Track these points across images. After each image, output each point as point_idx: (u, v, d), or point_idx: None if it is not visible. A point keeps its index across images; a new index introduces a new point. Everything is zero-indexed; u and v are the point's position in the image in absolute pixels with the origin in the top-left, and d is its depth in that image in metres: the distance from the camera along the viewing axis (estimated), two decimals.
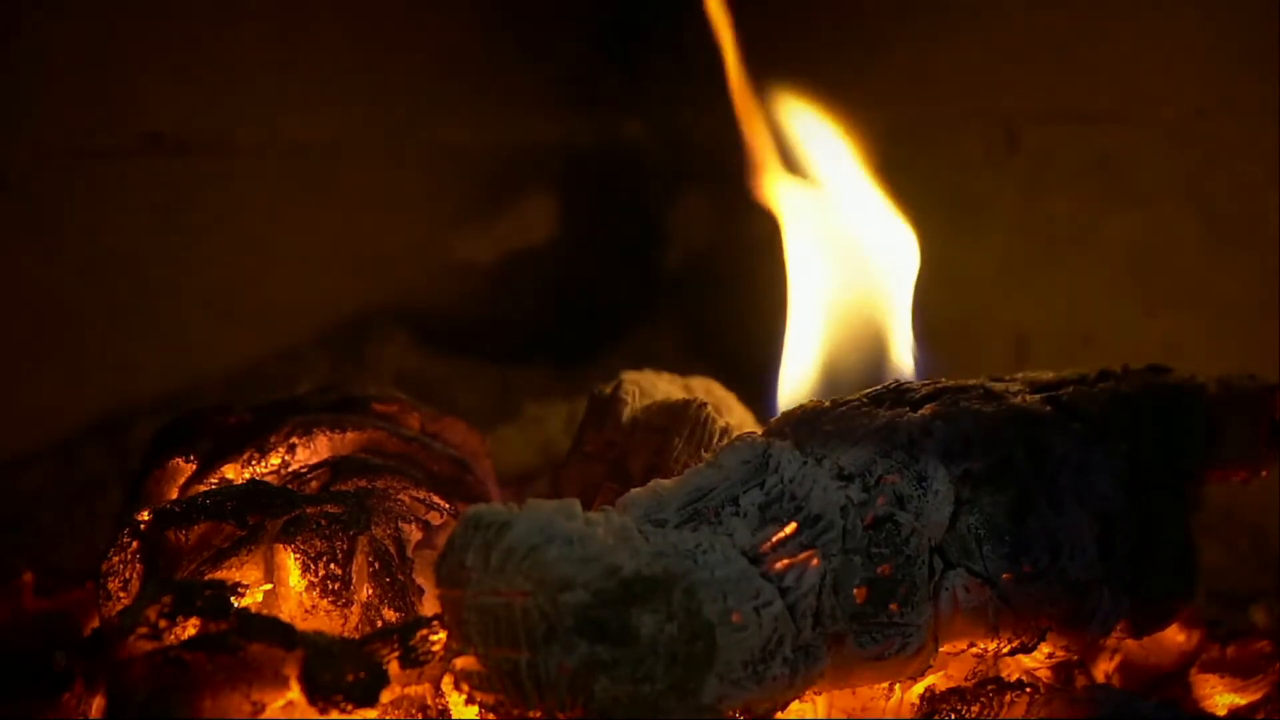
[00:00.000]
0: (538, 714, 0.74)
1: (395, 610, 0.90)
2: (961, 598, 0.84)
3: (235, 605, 0.81)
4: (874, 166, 1.16)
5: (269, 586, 0.88)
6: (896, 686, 0.89)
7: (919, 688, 0.90)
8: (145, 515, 0.93)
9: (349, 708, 0.76)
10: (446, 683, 0.83)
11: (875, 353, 1.09)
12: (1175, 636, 1.00)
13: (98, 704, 0.81)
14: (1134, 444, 0.89)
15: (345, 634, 0.87)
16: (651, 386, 1.06)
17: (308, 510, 0.90)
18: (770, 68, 1.24)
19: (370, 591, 0.90)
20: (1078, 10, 1.46)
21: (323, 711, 0.77)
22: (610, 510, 0.80)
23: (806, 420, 0.88)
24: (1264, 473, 0.97)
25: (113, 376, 1.44)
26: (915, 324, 1.10)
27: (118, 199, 1.44)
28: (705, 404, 0.99)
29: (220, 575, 0.87)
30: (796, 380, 1.09)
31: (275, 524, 0.89)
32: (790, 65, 1.24)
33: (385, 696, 0.78)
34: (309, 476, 0.97)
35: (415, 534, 0.94)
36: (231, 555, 0.89)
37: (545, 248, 1.80)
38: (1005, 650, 0.87)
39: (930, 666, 0.85)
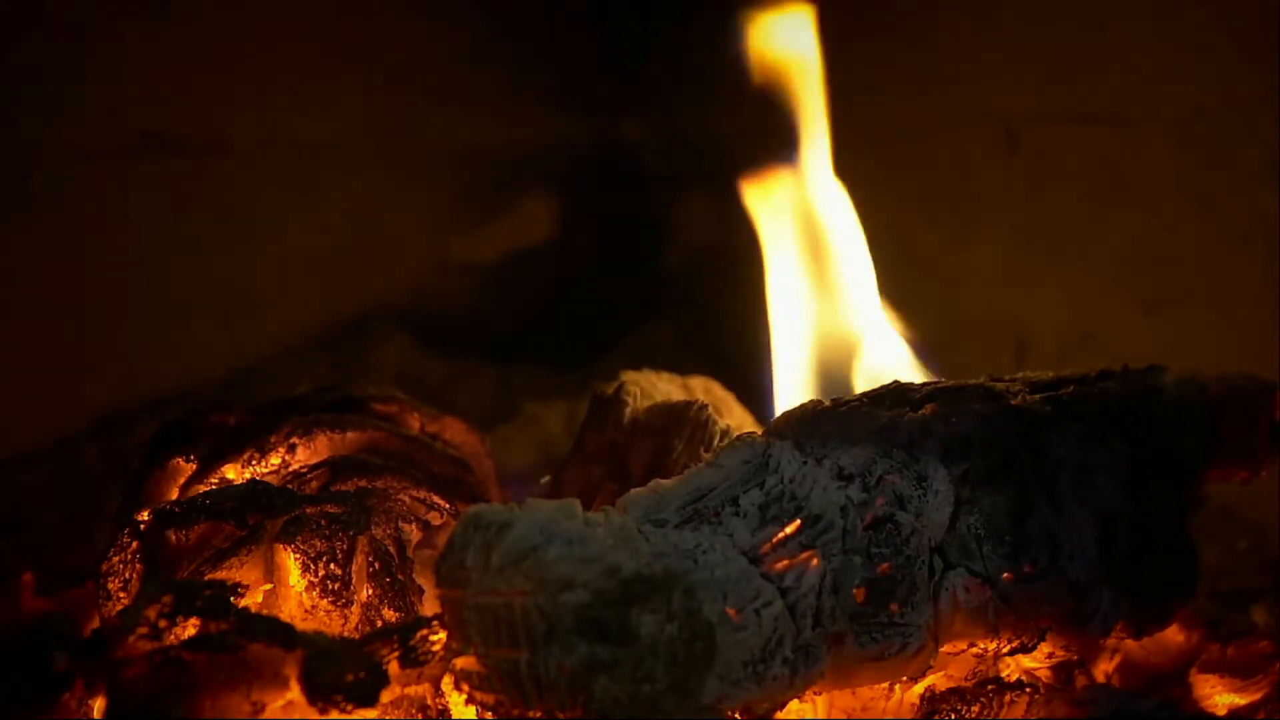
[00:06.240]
0: (538, 714, 0.74)
1: (395, 610, 0.90)
2: (961, 598, 0.84)
3: (235, 605, 0.81)
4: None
5: (269, 586, 0.88)
6: (896, 686, 0.89)
7: (919, 688, 0.90)
8: (145, 515, 0.93)
9: (349, 708, 0.76)
10: (446, 683, 0.83)
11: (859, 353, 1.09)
12: (1175, 636, 1.00)
13: (98, 704, 0.81)
14: (1134, 444, 0.89)
15: (345, 634, 0.87)
16: (651, 387, 1.06)
17: (308, 510, 0.90)
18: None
19: (370, 591, 0.90)
20: (1078, 10, 1.46)
21: (323, 711, 0.77)
22: (610, 510, 0.80)
23: (807, 420, 0.88)
24: (1264, 473, 0.97)
25: (113, 376, 1.44)
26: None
27: (118, 199, 1.44)
28: (705, 405, 0.99)
29: (220, 575, 0.87)
30: (790, 381, 1.09)
31: (275, 524, 0.89)
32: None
33: (385, 696, 0.78)
34: (309, 476, 0.97)
35: (415, 534, 0.94)
36: (231, 555, 0.89)
37: (545, 248, 1.81)
38: (1005, 650, 0.87)
39: (930, 666, 0.85)
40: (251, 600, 0.86)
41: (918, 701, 0.89)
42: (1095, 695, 0.87)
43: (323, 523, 0.90)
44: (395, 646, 0.80)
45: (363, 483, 0.96)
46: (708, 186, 1.76)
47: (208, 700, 0.77)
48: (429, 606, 0.89)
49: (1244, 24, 1.35)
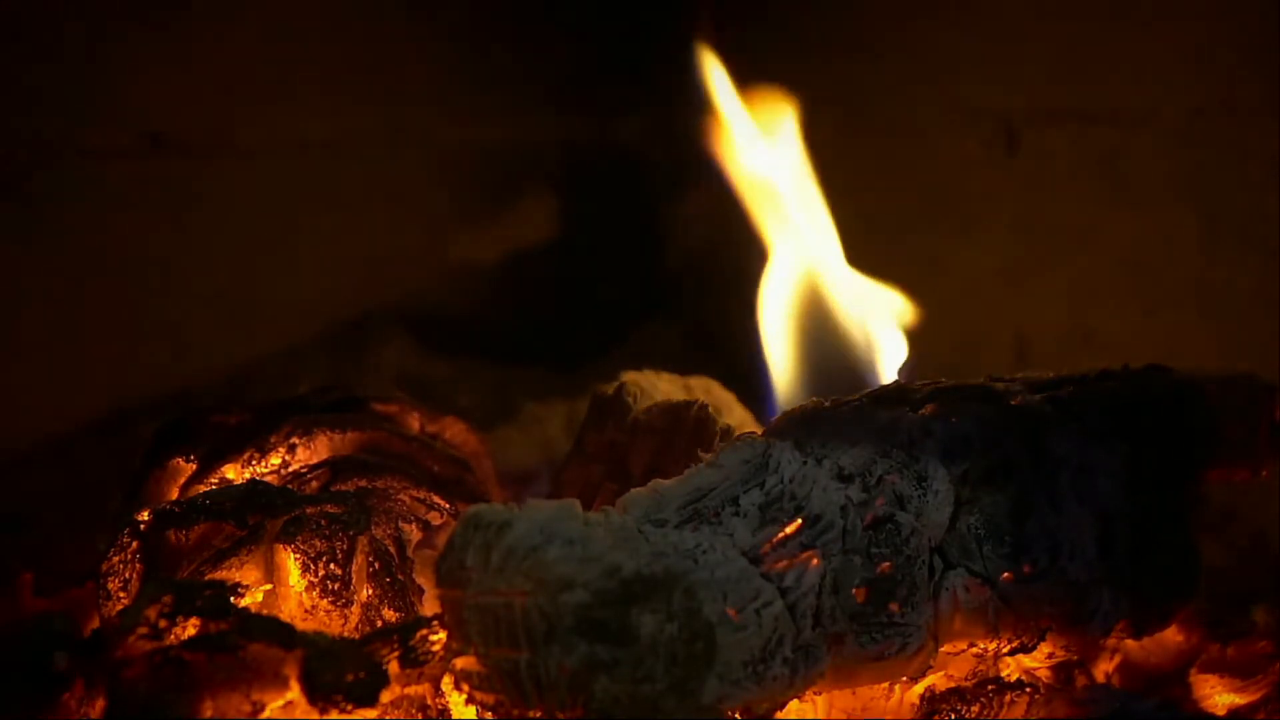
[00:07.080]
0: (538, 714, 0.73)
1: (395, 610, 0.90)
2: (961, 598, 0.84)
3: (235, 605, 0.81)
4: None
5: (269, 586, 0.88)
6: (896, 686, 0.89)
7: (919, 688, 0.90)
8: (145, 515, 0.93)
9: (349, 708, 0.76)
10: (446, 683, 0.83)
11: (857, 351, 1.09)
12: (1175, 636, 1.00)
13: (98, 704, 0.81)
14: (1134, 444, 0.89)
15: (345, 634, 0.87)
16: (652, 387, 1.06)
17: (308, 510, 0.90)
18: (766, 68, 1.24)
19: (370, 591, 0.90)
20: (1078, 10, 1.46)
21: (323, 711, 0.77)
22: (610, 510, 0.80)
23: (807, 420, 0.88)
24: (1264, 473, 0.97)
25: (113, 376, 1.44)
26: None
27: (118, 199, 1.44)
28: (706, 405, 0.99)
29: (220, 575, 0.87)
30: (789, 381, 1.09)
31: (275, 524, 0.89)
32: (787, 66, 1.25)
33: (385, 696, 0.78)
34: (309, 476, 0.97)
35: (415, 534, 0.94)
36: (231, 555, 0.89)
37: (545, 248, 1.80)
38: (1005, 650, 0.87)
39: (930, 666, 0.85)
40: (251, 600, 0.86)
41: (918, 701, 0.89)
42: (1095, 695, 0.87)
43: (323, 523, 0.90)
44: (395, 646, 0.80)
45: (363, 483, 0.96)
46: (707, 186, 1.76)
47: (208, 700, 0.77)
48: (429, 606, 0.90)
49: (1244, 24, 1.35)
